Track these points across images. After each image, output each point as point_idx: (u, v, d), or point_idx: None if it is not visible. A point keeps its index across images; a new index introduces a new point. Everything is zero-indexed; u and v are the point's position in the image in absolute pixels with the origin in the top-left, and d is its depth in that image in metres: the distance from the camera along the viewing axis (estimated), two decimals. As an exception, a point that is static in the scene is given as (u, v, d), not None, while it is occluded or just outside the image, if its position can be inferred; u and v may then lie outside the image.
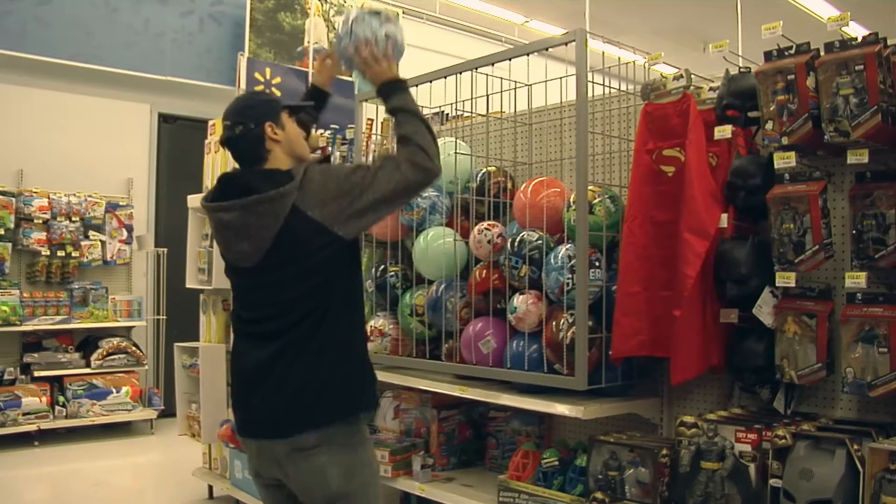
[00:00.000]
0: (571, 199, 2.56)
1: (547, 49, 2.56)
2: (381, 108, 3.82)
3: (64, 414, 5.66)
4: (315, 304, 1.92)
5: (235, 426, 2.26)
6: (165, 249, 6.39)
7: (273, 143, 2.01)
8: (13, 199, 5.68)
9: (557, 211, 2.64)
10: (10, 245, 5.67)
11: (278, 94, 4.92)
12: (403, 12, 7.32)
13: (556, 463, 2.65)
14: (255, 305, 2.01)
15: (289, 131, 2.04)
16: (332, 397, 1.92)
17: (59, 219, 5.89)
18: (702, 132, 2.30)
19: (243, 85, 4.77)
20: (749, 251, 2.18)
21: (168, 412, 5.81)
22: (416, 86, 3.02)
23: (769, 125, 2.11)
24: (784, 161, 2.08)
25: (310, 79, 5.23)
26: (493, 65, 2.75)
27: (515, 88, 3.01)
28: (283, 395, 1.92)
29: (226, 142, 2.03)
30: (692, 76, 2.42)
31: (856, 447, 1.85)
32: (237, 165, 2.11)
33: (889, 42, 1.97)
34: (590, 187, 2.54)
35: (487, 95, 2.94)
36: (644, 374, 2.61)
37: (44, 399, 5.56)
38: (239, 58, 4.95)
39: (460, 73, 2.82)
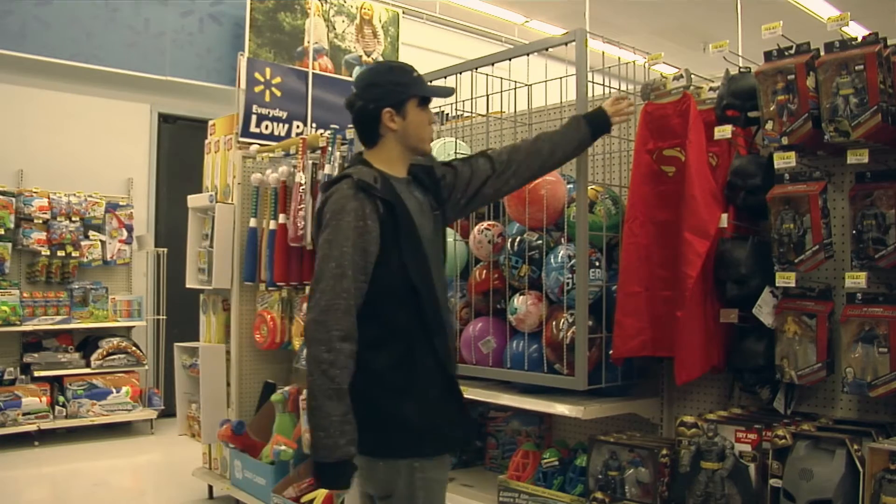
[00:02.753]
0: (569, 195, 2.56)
1: (547, 49, 2.56)
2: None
3: (64, 414, 5.67)
4: None
5: (453, 441, 2.01)
6: (165, 249, 6.39)
7: (388, 129, 1.94)
8: (13, 199, 5.68)
9: (557, 200, 2.62)
10: (10, 245, 5.67)
11: (278, 94, 4.92)
12: (403, 12, 7.33)
13: (556, 463, 2.65)
14: None
15: (410, 121, 1.95)
16: None
17: (59, 219, 5.89)
18: (702, 132, 2.30)
19: (243, 85, 4.77)
20: (749, 251, 2.18)
21: (168, 412, 5.81)
22: (416, 86, 3.02)
23: (769, 125, 2.11)
24: (784, 161, 2.08)
25: (310, 79, 5.25)
26: (493, 65, 2.75)
27: (515, 88, 3.01)
28: None
29: (347, 108, 1.99)
30: (692, 76, 2.42)
31: (856, 447, 1.85)
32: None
33: (889, 42, 1.97)
34: (591, 187, 2.54)
35: (487, 95, 2.93)
36: (644, 374, 2.61)
37: (44, 399, 5.56)
38: (239, 58, 4.95)
39: (460, 73, 2.82)
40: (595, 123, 2.34)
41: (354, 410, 1.77)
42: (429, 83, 2.04)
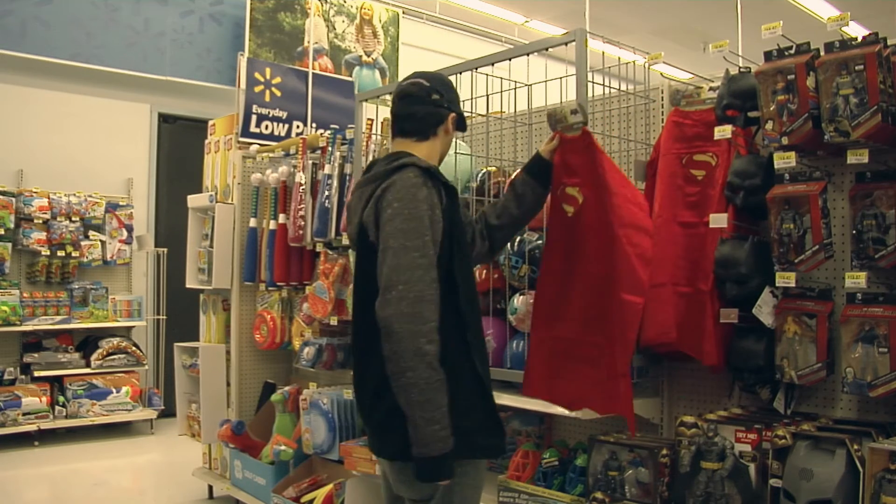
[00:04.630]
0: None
1: (547, 49, 2.56)
2: (381, 109, 3.81)
3: (64, 414, 5.67)
4: None
5: (490, 449, 1.95)
6: (165, 249, 6.39)
7: (442, 132, 1.99)
8: (13, 199, 5.68)
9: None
10: (10, 245, 5.67)
11: (278, 94, 4.92)
12: (403, 12, 7.33)
13: (556, 463, 2.65)
14: None
15: (450, 135, 2.02)
16: None
17: (59, 219, 5.89)
18: (608, 168, 2.15)
19: (243, 85, 4.77)
20: (749, 251, 2.18)
21: (168, 412, 5.81)
22: (416, 86, 3.02)
23: (769, 125, 2.11)
24: (784, 161, 2.08)
25: (310, 79, 5.24)
26: (493, 65, 2.75)
27: (515, 88, 3.01)
28: None
29: (406, 96, 1.97)
30: (587, 112, 2.23)
31: (856, 447, 1.85)
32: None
33: (889, 42, 1.97)
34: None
35: (487, 95, 2.93)
36: (644, 374, 2.61)
37: (44, 399, 5.56)
38: (239, 58, 4.95)
39: (460, 73, 2.82)
40: (532, 169, 2.25)
41: (395, 412, 1.73)
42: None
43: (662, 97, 2.69)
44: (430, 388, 1.69)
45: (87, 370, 5.83)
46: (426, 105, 1.98)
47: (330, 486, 3.38)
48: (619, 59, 2.66)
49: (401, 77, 7.67)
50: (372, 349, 1.81)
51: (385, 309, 1.72)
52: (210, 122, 4.79)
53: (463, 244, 1.92)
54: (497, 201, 2.26)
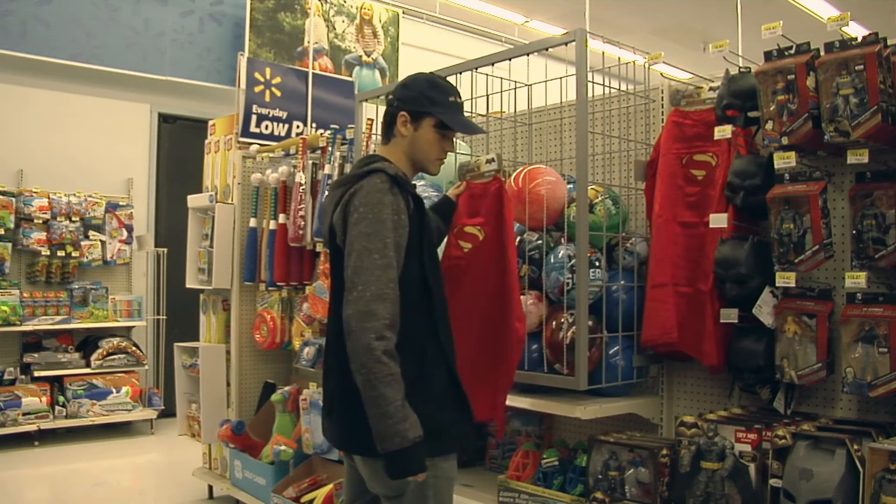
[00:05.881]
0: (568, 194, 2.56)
1: (547, 49, 2.56)
2: (381, 108, 3.80)
3: (64, 414, 5.67)
4: None
5: (461, 438, 2.01)
6: (165, 249, 6.39)
7: (399, 132, 1.99)
8: (13, 199, 5.68)
9: (556, 200, 2.62)
10: (10, 245, 5.67)
11: (278, 94, 4.92)
12: (403, 12, 7.33)
13: (556, 463, 2.65)
14: None
15: (420, 135, 1.98)
16: None
17: (59, 219, 5.89)
18: (510, 211, 2.39)
19: (243, 85, 4.77)
20: (749, 251, 2.19)
21: (168, 412, 5.81)
22: (416, 86, 3.02)
23: (769, 125, 2.11)
24: (784, 161, 2.08)
25: (310, 79, 5.24)
26: (493, 65, 2.75)
27: (515, 88, 3.01)
28: None
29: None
30: (503, 161, 2.47)
31: (856, 447, 1.85)
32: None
33: (889, 42, 1.97)
34: (591, 187, 2.54)
35: (487, 95, 2.94)
36: (644, 374, 2.61)
37: (44, 399, 5.56)
38: (239, 58, 4.95)
39: (460, 73, 2.82)
40: (439, 208, 2.46)
41: (360, 408, 1.76)
42: (463, 118, 2.05)
43: (662, 97, 2.69)
44: (380, 384, 1.71)
45: (87, 370, 5.83)
46: (387, 107, 2.04)
47: (330, 486, 3.38)
48: (619, 59, 2.66)
49: (401, 77, 7.67)
50: (338, 348, 1.85)
51: (346, 309, 1.77)
52: (210, 122, 4.79)
53: (432, 251, 1.97)
54: None
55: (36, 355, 5.71)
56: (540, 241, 2.60)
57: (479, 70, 2.81)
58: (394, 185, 1.85)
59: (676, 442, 2.22)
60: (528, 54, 2.64)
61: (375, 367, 1.71)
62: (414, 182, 3.06)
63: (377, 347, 1.71)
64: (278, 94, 4.93)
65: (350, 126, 3.54)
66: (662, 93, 2.69)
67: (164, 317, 6.43)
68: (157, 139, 6.73)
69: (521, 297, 2.61)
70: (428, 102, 1.98)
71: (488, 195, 2.43)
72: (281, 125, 4.92)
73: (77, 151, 6.22)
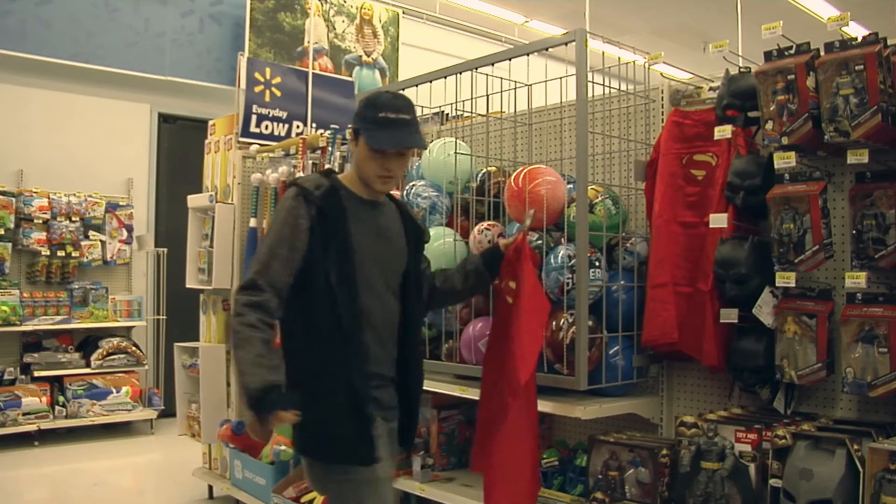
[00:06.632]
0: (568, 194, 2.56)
1: (547, 49, 2.56)
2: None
3: (64, 414, 5.67)
4: None
5: (370, 452, 2.05)
6: (165, 249, 6.39)
7: (349, 148, 2.11)
8: (13, 199, 5.68)
9: (556, 200, 2.61)
10: (10, 245, 5.67)
11: (278, 94, 4.93)
12: (403, 12, 7.33)
13: (556, 463, 2.65)
14: None
15: (358, 153, 2.05)
16: None
17: (59, 219, 5.89)
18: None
19: (243, 85, 4.77)
20: (749, 251, 2.19)
21: (168, 412, 5.81)
22: (417, 86, 3.03)
23: (769, 125, 2.11)
24: (784, 161, 2.08)
25: (309, 79, 5.24)
26: (493, 65, 2.75)
27: (515, 88, 3.01)
28: None
29: None
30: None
31: (856, 447, 1.85)
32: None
33: (889, 42, 1.97)
34: (591, 187, 2.54)
35: (487, 95, 2.93)
36: (644, 374, 2.61)
37: (44, 399, 5.56)
38: (239, 58, 4.94)
39: (460, 73, 2.82)
40: (486, 255, 2.38)
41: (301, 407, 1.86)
42: (383, 133, 1.99)
43: (662, 97, 2.69)
44: (237, 347, 1.86)
45: (87, 370, 5.83)
46: None
47: (330, 486, 3.38)
48: (619, 59, 2.65)
49: (401, 77, 7.68)
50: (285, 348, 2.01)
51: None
52: (210, 122, 4.79)
53: (345, 260, 1.98)
54: (453, 270, 2.38)
55: (36, 355, 5.71)
56: (540, 241, 2.59)
57: (479, 70, 2.81)
58: (299, 195, 1.98)
59: (676, 442, 2.22)
60: (528, 54, 2.64)
61: (237, 328, 1.86)
62: (414, 182, 3.09)
63: (240, 300, 1.89)
64: (278, 94, 4.92)
65: (349, 126, 3.53)
66: (662, 93, 2.69)
67: (164, 317, 6.42)
68: (157, 139, 6.73)
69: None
70: (360, 120, 2.05)
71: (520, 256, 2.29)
72: (281, 125, 4.92)
73: (77, 151, 6.22)
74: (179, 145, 6.71)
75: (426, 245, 2.35)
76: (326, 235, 1.97)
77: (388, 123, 1.99)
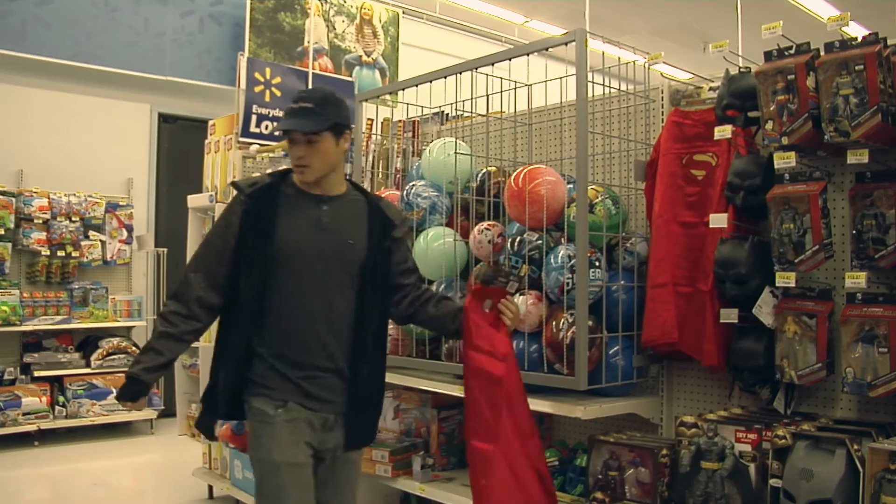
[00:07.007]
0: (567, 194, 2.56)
1: (547, 49, 2.57)
2: (381, 108, 3.81)
3: (64, 414, 5.66)
4: None
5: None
6: (165, 249, 6.39)
7: None
8: (13, 199, 5.68)
9: (556, 200, 2.61)
10: (10, 245, 5.66)
11: (278, 94, 4.93)
12: (403, 12, 7.33)
13: (556, 463, 2.65)
14: None
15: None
16: None
17: (59, 219, 5.89)
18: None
19: (243, 85, 4.77)
20: (749, 251, 2.19)
21: (168, 412, 5.80)
22: (417, 86, 3.03)
23: (769, 125, 2.11)
24: (784, 161, 2.08)
25: (310, 79, 5.25)
26: (493, 65, 2.75)
27: (515, 88, 3.01)
28: None
29: None
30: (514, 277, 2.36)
31: (856, 447, 1.85)
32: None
33: (889, 42, 1.97)
34: (591, 187, 2.54)
35: (487, 95, 2.93)
36: (644, 374, 2.61)
37: (44, 399, 5.56)
38: (239, 58, 4.94)
39: (460, 73, 2.82)
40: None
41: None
42: (282, 121, 2.13)
43: (662, 97, 2.69)
44: (153, 336, 2.12)
45: (87, 370, 5.82)
46: None
47: (330, 486, 3.38)
48: (619, 59, 2.66)
49: (401, 77, 7.67)
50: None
51: None
52: (210, 122, 4.79)
53: (267, 249, 2.09)
54: (438, 296, 2.32)
55: (36, 355, 5.70)
56: (540, 241, 2.60)
57: (479, 70, 2.81)
58: (235, 193, 2.17)
59: (676, 442, 2.22)
60: (528, 54, 2.64)
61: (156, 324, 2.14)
62: (414, 182, 3.09)
63: (171, 292, 2.16)
64: (278, 94, 4.92)
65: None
66: (662, 93, 2.69)
67: (164, 317, 6.41)
68: (157, 139, 6.72)
69: (521, 296, 2.61)
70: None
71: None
72: (281, 125, 4.91)
73: (77, 151, 6.22)
74: (179, 145, 6.70)
75: (426, 245, 2.34)
76: (251, 227, 2.10)
77: (291, 112, 2.09)
